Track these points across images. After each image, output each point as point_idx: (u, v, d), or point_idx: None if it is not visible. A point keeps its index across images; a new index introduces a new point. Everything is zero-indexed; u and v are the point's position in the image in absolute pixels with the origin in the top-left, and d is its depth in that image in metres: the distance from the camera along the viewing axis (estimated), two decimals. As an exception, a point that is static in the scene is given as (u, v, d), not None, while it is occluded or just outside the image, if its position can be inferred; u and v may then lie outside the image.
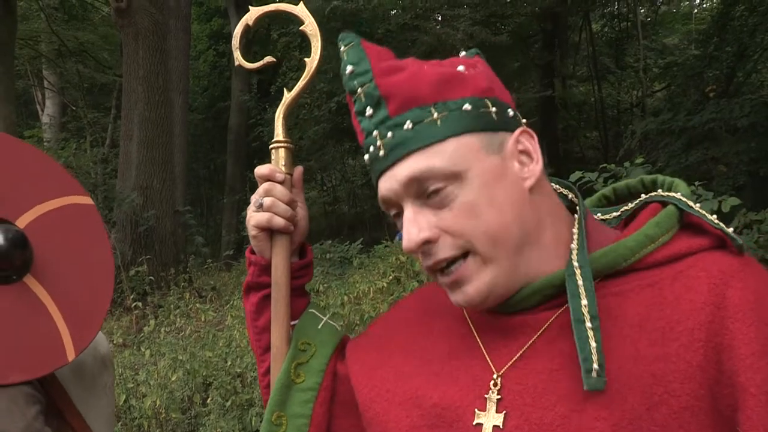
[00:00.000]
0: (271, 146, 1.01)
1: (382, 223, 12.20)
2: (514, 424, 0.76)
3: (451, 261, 0.79)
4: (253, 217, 0.96)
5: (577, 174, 3.70)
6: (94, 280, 1.56)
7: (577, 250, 0.79)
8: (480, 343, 0.84)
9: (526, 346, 0.80)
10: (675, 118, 7.38)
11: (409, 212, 0.79)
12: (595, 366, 0.71)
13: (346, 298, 5.87)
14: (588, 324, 0.73)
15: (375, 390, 0.91)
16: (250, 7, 1.07)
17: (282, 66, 14.26)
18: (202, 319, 6.89)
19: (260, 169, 0.97)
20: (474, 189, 0.77)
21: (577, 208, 0.86)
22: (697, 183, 3.38)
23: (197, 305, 7.46)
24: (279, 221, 0.95)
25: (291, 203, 0.97)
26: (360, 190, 15.43)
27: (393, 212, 0.84)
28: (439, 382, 0.84)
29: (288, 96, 1.02)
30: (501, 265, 0.78)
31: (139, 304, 7.40)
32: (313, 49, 1.00)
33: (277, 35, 11.58)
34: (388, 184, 0.81)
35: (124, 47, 10.46)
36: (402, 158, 0.78)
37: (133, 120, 9.98)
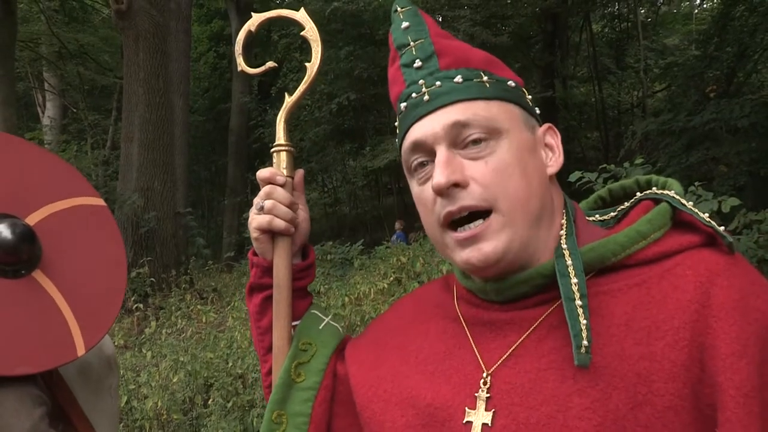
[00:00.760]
0: (272, 150, 1.02)
1: (382, 224, 12.21)
2: (502, 422, 0.77)
3: (472, 216, 0.80)
4: (255, 219, 0.97)
5: (577, 174, 3.70)
6: (107, 278, 1.57)
7: (566, 235, 0.82)
8: (472, 342, 0.85)
9: (515, 344, 0.81)
10: (675, 118, 7.37)
11: (444, 154, 0.80)
12: (584, 342, 0.71)
13: (347, 299, 5.88)
14: (578, 302, 0.74)
15: (372, 390, 0.92)
16: (252, 13, 1.08)
17: (282, 68, 14.30)
18: (203, 320, 6.90)
19: (262, 172, 0.99)
20: (511, 150, 0.80)
21: (565, 204, 0.88)
22: (697, 183, 3.38)
23: (198, 307, 7.47)
24: (280, 223, 0.96)
25: (292, 206, 0.98)
26: (361, 192, 15.43)
27: (418, 160, 0.84)
28: (433, 382, 0.85)
29: (289, 100, 1.04)
30: (519, 231, 0.79)
31: (141, 305, 7.41)
32: (313, 54, 1.02)
33: (278, 37, 11.60)
34: (428, 126, 0.82)
35: (124, 49, 10.48)
36: (449, 104, 0.81)
37: (133, 122, 9.99)
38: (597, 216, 0.93)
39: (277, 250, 0.98)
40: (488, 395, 0.79)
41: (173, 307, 7.72)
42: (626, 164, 3.82)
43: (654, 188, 0.87)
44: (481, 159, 0.79)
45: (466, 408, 0.80)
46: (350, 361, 0.98)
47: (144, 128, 9.90)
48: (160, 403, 4.48)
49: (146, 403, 4.50)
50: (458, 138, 0.80)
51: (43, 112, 16.98)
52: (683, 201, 0.81)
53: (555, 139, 0.88)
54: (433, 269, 6.09)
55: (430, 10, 10.28)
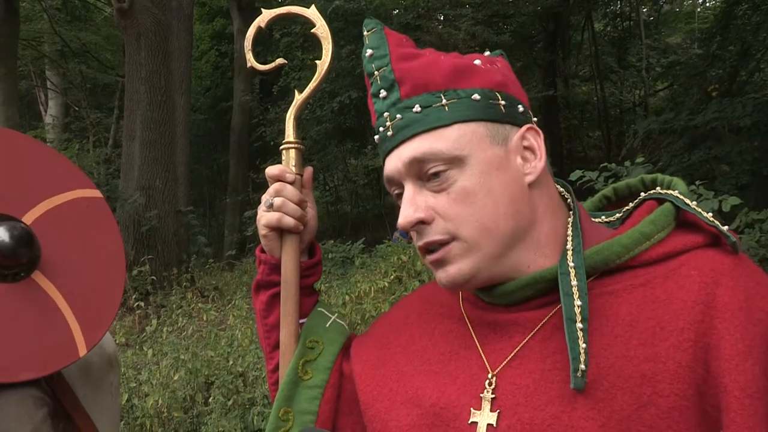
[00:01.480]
0: (281, 147, 1.02)
1: (384, 223, 12.20)
2: (507, 423, 0.77)
3: (439, 244, 0.81)
4: (264, 216, 0.97)
5: (578, 173, 3.69)
6: (105, 274, 1.55)
7: (572, 250, 0.80)
8: (477, 343, 0.85)
9: (520, 346, 0.81)
10: (677, 117, 7.35)
11: (409, 191, 0.82)
12: (582, 367, 0.72)
13: (347, 297, 5.87)
14: (579, 324, 0.74)
15: (377, 388, 0.92)
16: (262, 9, 1.08)
17: (284, 67, 14.22)
18: (204, 318, 6.90)
19: (271, 170, 0.99)
20: (473, 175, 0.79)
21: (572, 207, 0.87)
22: (698, 182, 3.38)
23: (199, 305, 7.48)
24: (289, 221, 0.96)
25: (301, 203, 0.98)
26: (362, 190, 15.42)
27: (395, 191, 0.86)
28: (439, 382, 0.85)
29: (299, 97, 1.04)
30: (485, 255, 0.80)
31: (142, 303, 7.41)
32: (324, 52, 1.01)
33: (280, 35, 11.59)
34: (393, 163, 0.83)
35: (126, 48, 10.46)
36: (408, 139, 0.81)
37: (135, 120, 9.99)
38: (603, 217, 0.93)
39: (285, 248, 0.98)
40: (493, 396, 0.79)
41: (174, 306, 7.73)
42: (627, 163, 3.81)
43: (658, 188, 0.87)
44: (444, 191, 0.80)
45: (472, 409, 0.80)
46: (355, 360, 0.98)
47: (146, 126, 9.90)
48: (160, 401, 4.48)
49: (147, 401, 4.50)
50: (421, 172, 0.81)
51: (45, 111, 17.00)
52: (687, 201, 0.80)
53: (536, 140, 0.84)
54: (434, 268, 6.07)
55: (432, 9, 10.27)
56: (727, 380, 0.68)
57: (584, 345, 0.72)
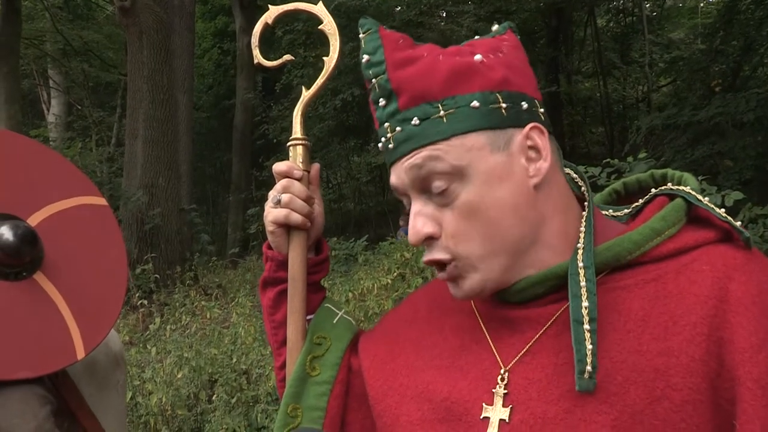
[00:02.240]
0: (288, 143, 1.01)
1: (387, 220, 12.20)
2: (519, 417, 0.77)
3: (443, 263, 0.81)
4: (271, 213, 0.97)
5: (581, 169, 3.68)
6: (107, 281, 1.56)
7: (583, 248, 0.79)
8: (488, 338, 0.85)
9: (532, 341, 0.80)
10: (680, 113, 7.34)
11: (416, 206, 0.81)
12: (588, 368, 0.71)
13: (350, 294, 5.88)
14: (586, 326, 0.74)
15: (387, 383, 0.92)
16: (269, 5, 1.07)
17: (287, 64, 14.21)
18: (208, 316, 6.90)
19: (278, 166, 0.98)
20: (476, 188, 0.77)
21: (586, 204, 0.85)
22: (701, 178, 3.37)
23: (203, 303, 7.48)
24: (296, 217, 0.95)
25: (308, 200, 0.97)
26: (365, 187, 15.42)
27: (404, 199, 0.85)
28: (450, 377, 0.85)
29: (306, 94, 1.03)
30: (492, 269, 0.79)
31: (145, 302, 7.42)
32: (331, 48, 1.00)
33: (282, 33, 11.58)
34: (398, 175, 0.82)
35: (128, 46, 10.47)
36: (408, 153, 0.80)
37: (138, 119, 10.00)
38: (611, 211, 0.92)
39: (292, 244, 0.98)
40: (506, 391, 0.79)
41: (178, 304, 7.73)
42: (630, 159, 3.81)
43: (669, 183, 0.86)
44: (448, 207, 0.79)
45: (483, 404, 0.80)
46: (363, 355, 0.98)
47: (148, 125, 9.91)
48: (164, 399, 4.49)
49: (151, 399, 4.51)
50: (424, 185, 0.80)
51: (47, 110, 17.03)
52: (699, 196, 0.80)
53: (541, 139, 0.80)
54: (438, 265, 6.07)
55: (434, 5, 10.25)
56: (740, 372, 0.68)
57: (591, 347, 0.72)
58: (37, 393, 1.36)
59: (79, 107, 17.11)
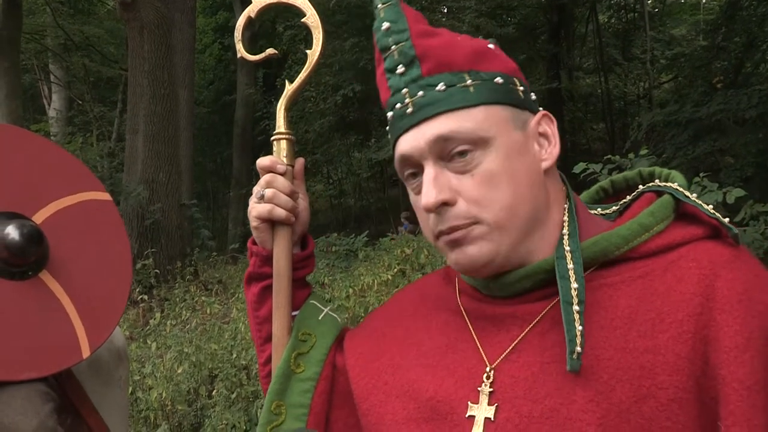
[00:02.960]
0: (272, 138, 1.01)
1: (387, 216, 12.21)
2: (504, 416, 0.76)
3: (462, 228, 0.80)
4: (255, 208, 0.96)
5: (582, 165, 3.68)
6: (111, 278, 1.55)
7: (568, 235, 0.80)
8: (474, 337, 0.84)
9: (518, 339, 0.80)
10: (682, 109, 7.34)
11: (431, 171, 0.79)
12: (578, 349, 0.71)
13: (351, 290, 5.88)
14: (576, 307, 0.73)
15: (372, 381, 0.91)
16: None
17: (288, 59, 14.27)
18: (208, 311, 6.91)
19: (262, 161, 0.98)
20: (498, 158, 0.78)
21: (568, 196, 0.86)
22: (702, 174, 3.36)
23: (203, 298, 7.49)
24: (280, 212, 0.95)
25: (292, 194, 0.97)
26: (366, 183, 15.44)
27: (408, 171, 0.83)
28: (435, 375, 0.85)
29: (289, 88, 1.02)
30: (507, 238, 0.78)
31: (146, 297, 7.44)
32: (314, 41, 1.00)
33: (283, 28, 11.57)
34: (413, 141, 0.80)
35: (129, 41, 10.47)
36: (431, 117, 0.79)
37: (138, 114, 10.00)
38: (599, 209, 0.92)
39: (277, 240, 0.97)
40: (491, 389, 0.78)
41: (178, 299, 7.75)
42: (630, 155, 3.80)
43: (657, 180, 0.86)
44: (468, 172, 0.78)
45: (469, 402, 0.79)
46: (349, 352, 0.97)
47: (149, 120, 9.91)
48: (164, 394, 4.50)
49: (151, 394, 4.52)
50: (444, 151, 0.78)
51: (48, 104, 17.04)
52: (686, 193, 0.80)
53: (551, 127, 0.84)
54: (437, 261, 6.09)
55: (435, 1, 10.23)
56: (725, 372, 0.67)
57: (581, 327, 0.72)
58: (40, 390, 1.35)
59: (80, 102, 17.11)
